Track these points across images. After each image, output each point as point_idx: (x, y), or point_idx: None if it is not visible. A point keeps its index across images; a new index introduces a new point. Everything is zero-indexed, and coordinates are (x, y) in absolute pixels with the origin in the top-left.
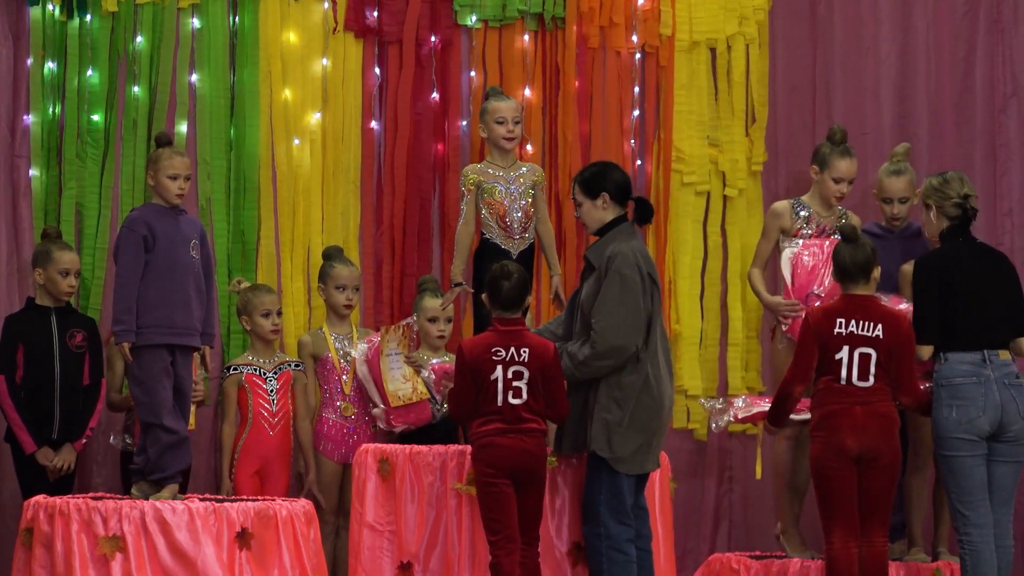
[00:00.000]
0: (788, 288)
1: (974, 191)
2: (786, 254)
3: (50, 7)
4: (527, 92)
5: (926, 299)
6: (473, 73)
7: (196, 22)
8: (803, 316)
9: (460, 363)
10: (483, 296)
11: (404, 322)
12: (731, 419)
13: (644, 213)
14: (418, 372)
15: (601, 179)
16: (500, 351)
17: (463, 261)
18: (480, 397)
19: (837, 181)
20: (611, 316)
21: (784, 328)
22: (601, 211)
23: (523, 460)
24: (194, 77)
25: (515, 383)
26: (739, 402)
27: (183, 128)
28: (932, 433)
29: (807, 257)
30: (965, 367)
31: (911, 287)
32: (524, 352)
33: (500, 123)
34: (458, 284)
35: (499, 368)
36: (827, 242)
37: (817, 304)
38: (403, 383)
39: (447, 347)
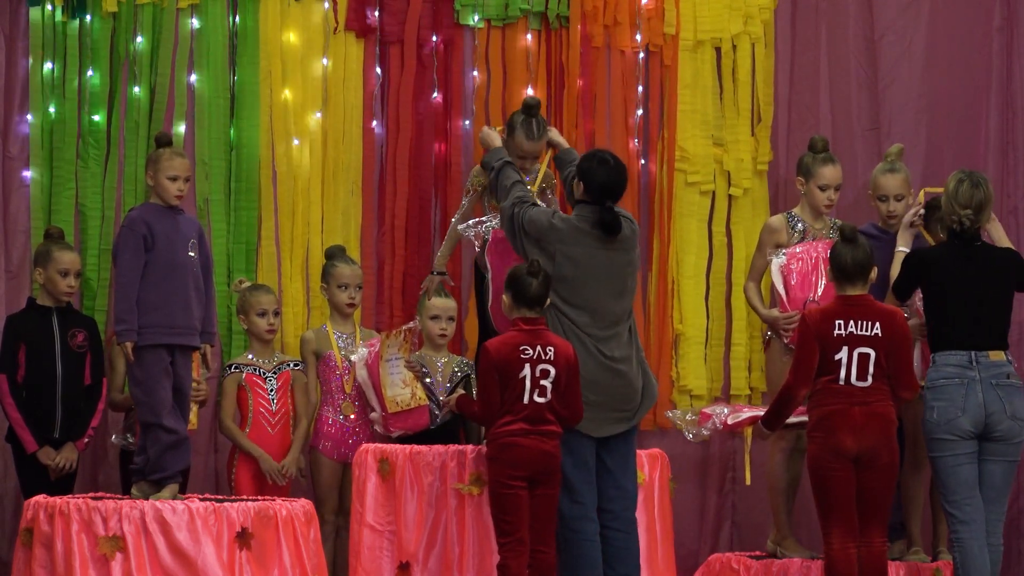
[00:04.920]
0: (783, 300)
1: (986, 199)
2: (775, 266)
3: (49, 7)
4: (530, 91)
5: (906, 278)
6: (476, 73)
7: (196, 22)
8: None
9: (486, 364)
10: (504, 296)
11: (406, 326)
12: (718, 426)
13: (608, 226)
14: (418, 377)
15: (588, 171)
16: (528, 349)
17: (449, 252)
18: (505, 396)
19: (823, 189)
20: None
21: (786, 340)
22: (576, 193)
23: (542, 461)
24: (193, 77)
25: (542, 381)
26: (722, 410)
27: (182, 128)
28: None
29: (796, 265)
30: (950, 368)
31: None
32: (550, 350)
33: (522, 158)
34: (441, 273)
35: (527, 366)
36: (811, 246)
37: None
38: (402, 388)
39: (448, 347)
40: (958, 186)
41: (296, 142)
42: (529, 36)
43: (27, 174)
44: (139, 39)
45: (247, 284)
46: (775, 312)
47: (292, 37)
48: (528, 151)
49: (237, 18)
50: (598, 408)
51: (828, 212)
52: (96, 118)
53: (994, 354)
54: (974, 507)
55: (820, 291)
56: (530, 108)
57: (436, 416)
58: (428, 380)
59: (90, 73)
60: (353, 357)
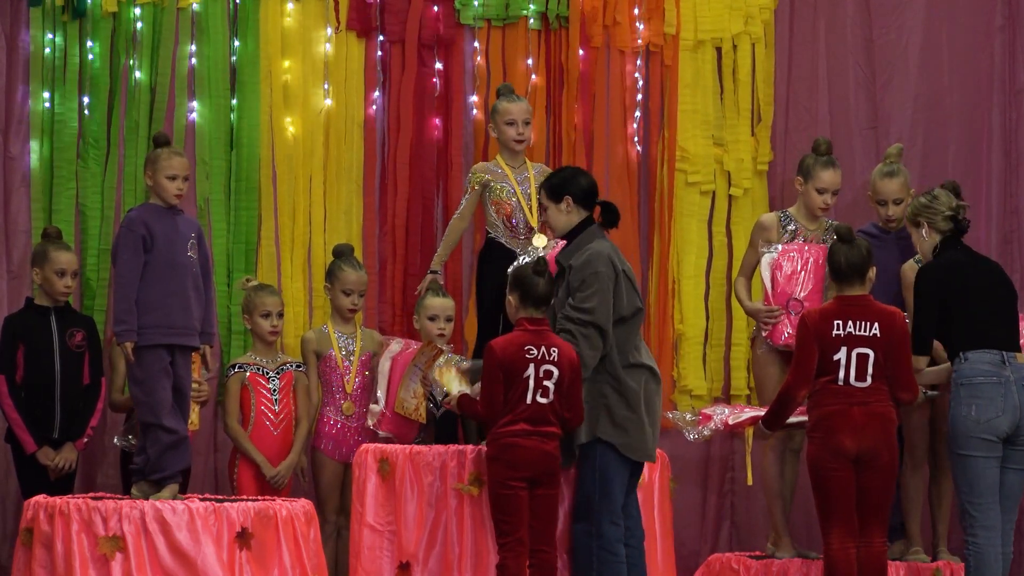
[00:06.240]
0: (768, 294)
1: (964, 202)
2: (765, 260)
3: (51, 7)
4: (530, 91)
5: (925, 310)
6: (476, 73)
7: (196, 7)
8: (785, 321)
9: (491, 363)
10: (509, 296)
11: (441, 347)
12: (719, 426)
13: (611, 217)
14: (426, 396)
15: (566, 183)
16: (532, 349)
17: (447, 252)
18: (508, 396)
19: (821, 192)
20: (591, 302)
21: (764, 334)
22: (565, 215)
23: (543, 461)
24: (194, 60)
25: (545, 382)
26: (723, 410)
27: (184, 120)
28: (948, 432)
29: (786, 263)
30: (985, 367)
31: (912, 295)
32: (554, 351)
33: (510, 124)
34: (433, 272)
35: (531, 366)
36: (806, 247)
37: (801, 308)
38: (412, 398)
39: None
40: (934, 196)
41: (297, 142)
42: (529, 36)
43: (28, 174)
44: (138, 38)
45: (254, 283)
46: (758, 304)
47: (294, 38)
48: (515, 114)
49: (237, 19)
50: (651, 432)
51: (823, 215)
52: (96, 118)
53: (1020, 356)
54: (996, 512)
55: (804, 292)
56: (499, 90)
57: (421, 435)
58: (431, 405)
59: (91, 74)
60: (392, 344)
